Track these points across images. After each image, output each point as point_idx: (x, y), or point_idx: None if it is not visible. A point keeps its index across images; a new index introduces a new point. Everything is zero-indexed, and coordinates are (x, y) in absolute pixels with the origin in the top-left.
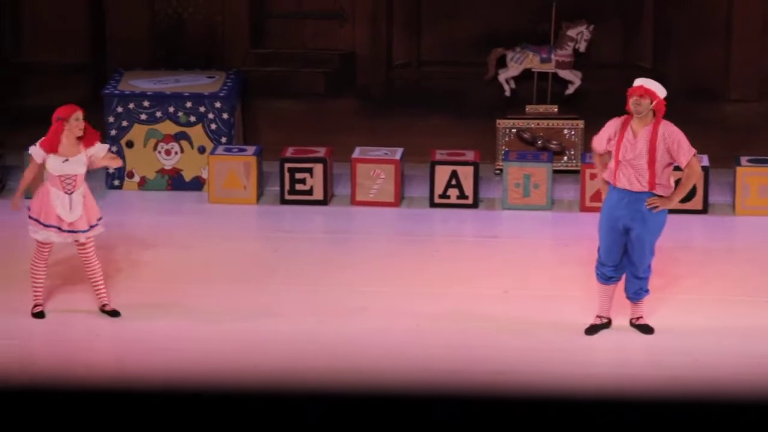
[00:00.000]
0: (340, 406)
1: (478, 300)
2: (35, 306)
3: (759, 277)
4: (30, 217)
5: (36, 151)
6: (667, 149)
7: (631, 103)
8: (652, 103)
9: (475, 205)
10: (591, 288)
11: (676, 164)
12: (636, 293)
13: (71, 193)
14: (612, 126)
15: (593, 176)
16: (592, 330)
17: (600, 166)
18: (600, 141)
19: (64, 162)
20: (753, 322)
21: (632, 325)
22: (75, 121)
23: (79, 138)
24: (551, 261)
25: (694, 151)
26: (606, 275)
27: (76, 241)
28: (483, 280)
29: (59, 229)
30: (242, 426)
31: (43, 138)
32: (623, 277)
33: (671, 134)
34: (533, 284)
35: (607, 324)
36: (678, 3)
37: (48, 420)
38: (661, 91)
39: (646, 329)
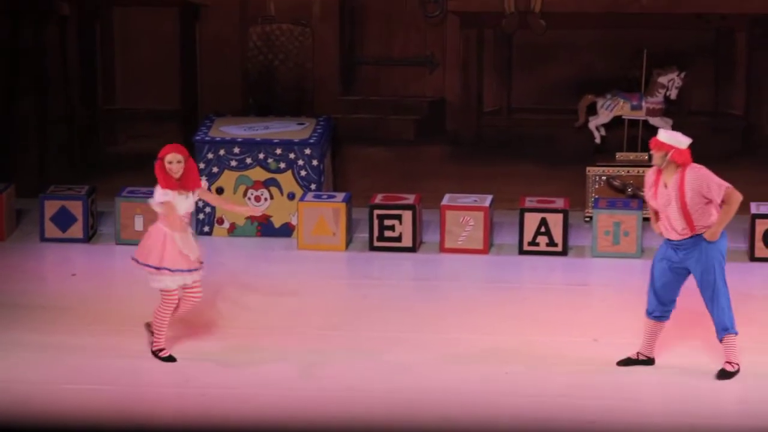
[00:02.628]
0: None
1: (567, 347)
2: (162, 350)
3: None
4: (149, 266)
5: (164, 193)
6: (699, 192)
7: (652, 156)
8: (667, 154)
9: (564, 252)
10: (679, 335)
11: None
12: (717, 332)
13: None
14: (648, 178)
15: None
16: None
17: (653, 216)
18: (646, 193)
19: (186, 199)
20: None
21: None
22: (168, 164)
23: (178, 179)
24: (641, 309)
25: (725, 185)
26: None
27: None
28: (572, 327)
29: (188, 270)
30: None
31: (160, 180)
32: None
33: (698, 177)
34: (623, 332)
35: (648, 361)
36: None
37: None
38: (677, 141)
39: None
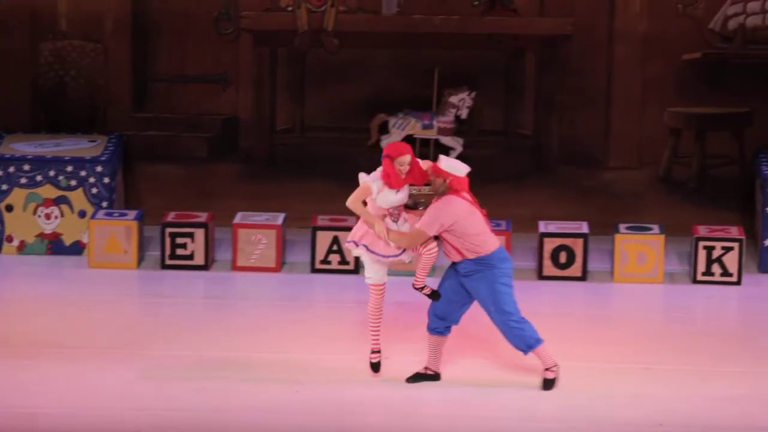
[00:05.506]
0: None
1: (358, 364)
2: (375, 354)
3: (637, 344)
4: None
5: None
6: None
7: (431, 182)
8: (446, 181)
9: (356, 271)
10: (462, 349)
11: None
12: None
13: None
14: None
15: None
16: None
17: None
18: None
19: (397, 194)
20: (630, 390)
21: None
22: (399, 165)
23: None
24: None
25: (425, 226)
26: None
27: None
28: (363, 344)
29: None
30: None
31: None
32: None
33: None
34: (412, 349)
35: (435, 376)
36: (559, 71)
37: None
38: (456, 169)
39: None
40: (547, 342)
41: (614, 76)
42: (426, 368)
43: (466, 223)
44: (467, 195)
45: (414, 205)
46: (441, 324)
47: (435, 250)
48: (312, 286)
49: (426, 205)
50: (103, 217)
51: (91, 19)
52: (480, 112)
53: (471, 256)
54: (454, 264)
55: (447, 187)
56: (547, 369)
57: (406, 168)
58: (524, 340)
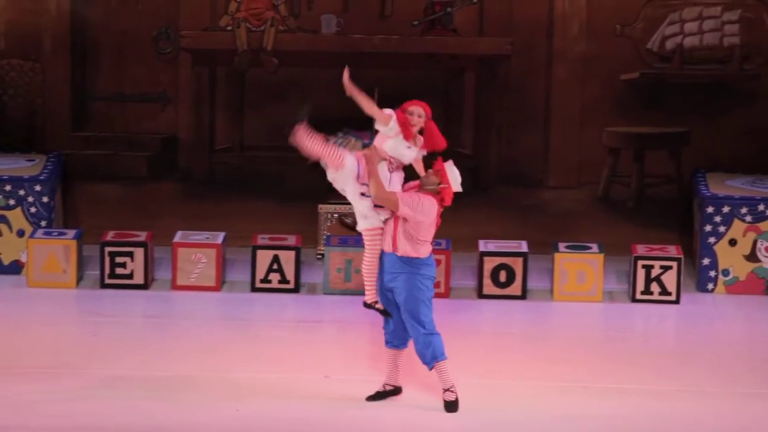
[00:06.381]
0: None
1: (298, 383)
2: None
3: (576, 362)
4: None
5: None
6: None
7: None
8: (440, 184)
9: (296, 289)
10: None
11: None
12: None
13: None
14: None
15: None
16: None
17: None
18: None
19: (407, 149)
20: (569, 409)
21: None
22: (409, 115)
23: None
24: (373, 345)
25: (404, 200)
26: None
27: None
28: (304, 364)
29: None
30: None
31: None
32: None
33: None
34: (354, 369)
35: (395, 391)
36: (498, 91)
37: None
38: (456, 181)
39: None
40: (487, 360)
41: (553, 95)
42: (385, 385)
43: (428, 229)
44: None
45: (354, 225)
46: (395, 338)
47: (378, 236)
48: (252, 304)
49: (353, 226)
50: (41, 236)
51: (30, 38)
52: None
53: (400, 254)
54: (381, 281)
55: (437, 190)
56: (446, 390)
57: (417, 120)
58: (432, 351)
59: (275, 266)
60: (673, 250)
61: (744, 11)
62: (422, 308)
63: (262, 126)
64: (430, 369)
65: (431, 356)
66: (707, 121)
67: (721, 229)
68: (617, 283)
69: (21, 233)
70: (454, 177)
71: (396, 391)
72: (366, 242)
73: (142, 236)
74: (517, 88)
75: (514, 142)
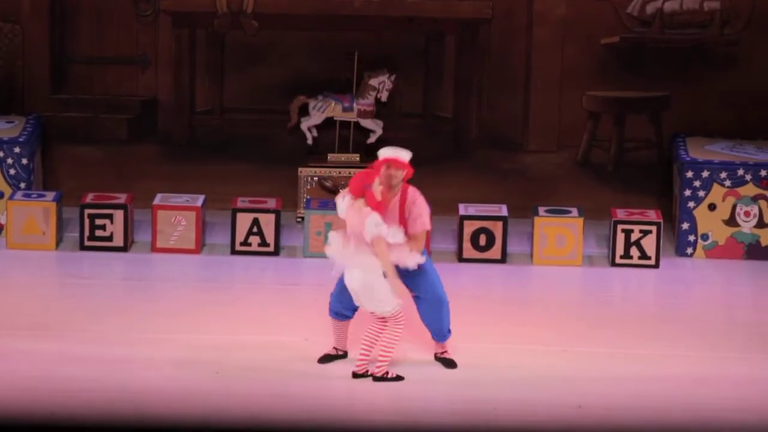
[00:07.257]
0: None
1: (278, 347)
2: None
3: (556, 326)
4: None
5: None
6: (407, 212)
7: (392, 176)
8: (404, 173)
9: (276, 252)
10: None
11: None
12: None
13: None
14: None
15: None
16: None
17: None
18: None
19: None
20: (549, 372)
21: (437, 358)
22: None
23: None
24: None
25: (428, 227)
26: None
27: None
28: (284, 327)
29: None
30: None
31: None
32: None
33: (416, 202)
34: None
35: (344, 355)
36: (478, 55)
37: None
38: (405, 158)
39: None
40: (468, 324)
41: (533, 59)
42: (335, 348)
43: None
44: None
45: (334, 189)
46: (348, 309)
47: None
48: (232, 267)
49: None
50: (21, 198)
51: (9, 0)
52: (400, 94)
53: (402, 266)
54: None
55: (402, 179)
56: (444, 351)
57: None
58: (448, 323)
59: (255, 229)
60: (652, 215)
61: None
62: (437, 282)
63: (242, 88)
64: (445, 341)
65: (447, 328)
66: (687, 85)
67: (701, 193)
68: (597, 247)
69: (0, 195)
70: (402, 155)
71: (344, 355)
72: (400, 323)
73: (122, 198)
74: (498, 51)
75: (494, 106)
